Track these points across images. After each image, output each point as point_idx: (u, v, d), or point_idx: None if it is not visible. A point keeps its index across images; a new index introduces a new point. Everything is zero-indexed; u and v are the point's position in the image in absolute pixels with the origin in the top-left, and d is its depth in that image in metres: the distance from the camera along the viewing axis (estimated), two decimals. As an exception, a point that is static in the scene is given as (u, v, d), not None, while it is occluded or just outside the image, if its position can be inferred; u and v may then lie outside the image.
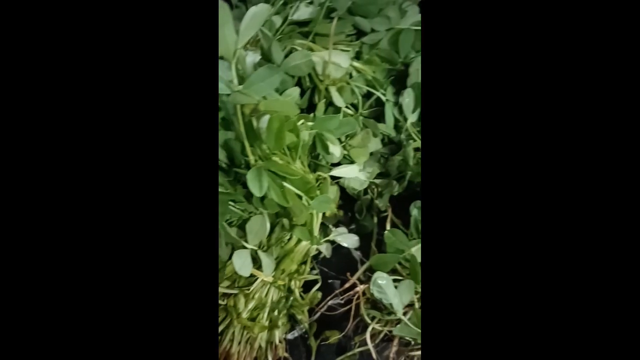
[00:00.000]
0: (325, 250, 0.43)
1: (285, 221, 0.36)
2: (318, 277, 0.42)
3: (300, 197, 0.34)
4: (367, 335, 0.36)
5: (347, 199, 0.47)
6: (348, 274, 0.40)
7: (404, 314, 0.38)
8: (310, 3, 0.40)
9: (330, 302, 0.42)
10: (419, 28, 0.41)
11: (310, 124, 0.35)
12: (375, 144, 0.43)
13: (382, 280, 0.36)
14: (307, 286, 0.43)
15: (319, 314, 0.42)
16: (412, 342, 0.39)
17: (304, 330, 0.42)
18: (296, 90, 0.36)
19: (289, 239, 0.38)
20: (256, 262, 0.36)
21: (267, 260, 0.35)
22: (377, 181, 0.45)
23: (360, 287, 0.38)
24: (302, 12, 0.39)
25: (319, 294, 0.42)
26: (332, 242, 0.45)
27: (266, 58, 0.36)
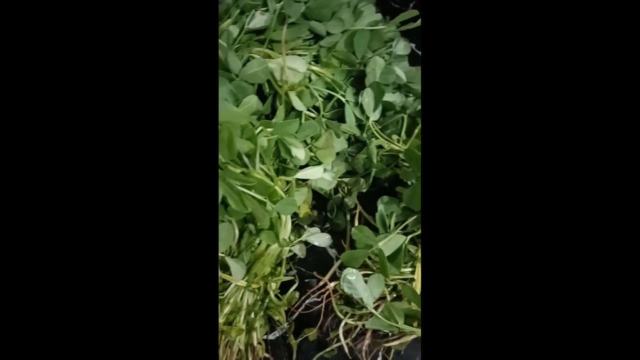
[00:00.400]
0: (299, 250, 0.44)
1: (252, 226, 0.37)
2: (293, 277, 0.43)
3: (264, 202, 0.35)
4: (340, 331, 0.38)
5: (321, 199, 0.48)
6: (315, 272, 0.41)
7: (377, 307, 0.39)
8: (266, 11, 0.41)
9: (307, 301, 0.43)
10: (374, 28, 0.42)
11: (270, 129, 0.36)
12: (340, 144, 0.44)
13: (351, 276, 0.38)
14: (286, 287, 0.44)
15: (297, 313, 0.43)
16: (390, 334, 0.40)
17: (284, 330, 0.43)
18: (253, 98, 0.37)
19: (259, 244, 0.39)
20: (228, 268, 0.37)
21: (235, 266, 0.35)
22: (346, 180, 0.46)
23: (330, 285, 0.39)
24: (258, 20, 0.40)
25: (297, 294, 0.43)
26: (307, 243, 0.46)
27: (224, 68, 0.37)
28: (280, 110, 0.38)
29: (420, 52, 0.57)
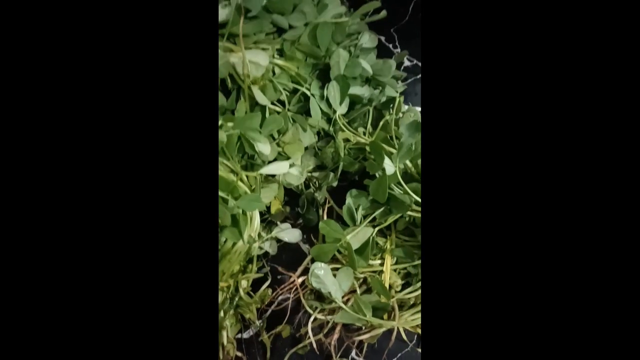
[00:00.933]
0: (270, 247, 0.44)
1: (216, 223, 0.36)
2: (263, 275, 0.43)
3: (226, 199, 0.34)
4: (309, 326, 0.37)
5: (293, 195, 0.48)
6: (279, 267, 0.40)
7: (347, 300, 0.39)
8: (228, 4, 0.40)
9: (280, 298, 0.43)
10: (337, 20, 0.42)
11: (230, 124, 0.35)
12: (309, 138, 0.43)
13: (319, 270, 0.37)
14: (259, 284, 0.43)
15: (269, 310, 0.43)
16: (363, 328, 0.40)
17: (257, 328, 0.43)
18: (213, 93, 0.36)
19: (225, 241, 0.38)
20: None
21: (199, 263, 0.35)
22: (316, 174, 0.45)
23: (298, 280, 0.38)
24: (220, 14, 0.40)
25: (269, 291, 0.43)
26: (278, 240, 0.45)
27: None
28: (241, 105, 0.37)
29: (390, 45, 0.57)
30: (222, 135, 0.33)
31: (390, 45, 0.56)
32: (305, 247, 0.47)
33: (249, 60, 0.37)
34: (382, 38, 0.55)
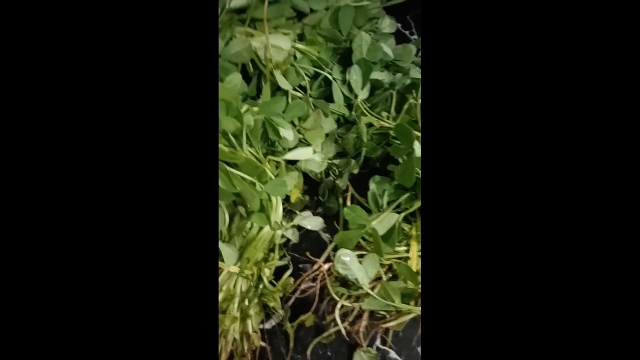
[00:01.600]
0: (292, 235, 0.43)
1: (242, 209, 0.35)
2: (285, 262, 0.42)
3: (253, 184, 0.34)
4: (336, 313, 0.37)
5: (313, 183, 0.47)
6: (307, 253, 0.40)
7: (372, 288, 0.38)
8: (248, -11, 0.40)
9: (303, 286, 0.42)
10: (359, 4, 0.41)
11: (255, 109, 0.35)
12: (329, 125, 0.43)
13: (345, 256, 0.37)
14: (280, 274, 0.43)
15: (292, 299, 0.42)
16: (387, 316, 0.39)
17: (280, 317, 0.42)
18: (237, 77, 0.36)
19: (250, 228, 0.38)
20: (220, 254, 0.36)
21: (227, 251, 0.34)
22: (337, 161, 0.45)
23: (324, 266, 0.38)
24: (239, 0, 0.39)
25: (291, 280, 0.42)
26: (300, 228, 0.45)
27: (205, 48, 0.36)
28: (266, 89, 0.37)
29: (406, 32, 0.56)
30: (250, 120, 0.33)
31: (407, 32, 0.55)
32: (325, 235, 0.46)
33: (271, 44, 0.37)
34: (399, 25, 0.55)
